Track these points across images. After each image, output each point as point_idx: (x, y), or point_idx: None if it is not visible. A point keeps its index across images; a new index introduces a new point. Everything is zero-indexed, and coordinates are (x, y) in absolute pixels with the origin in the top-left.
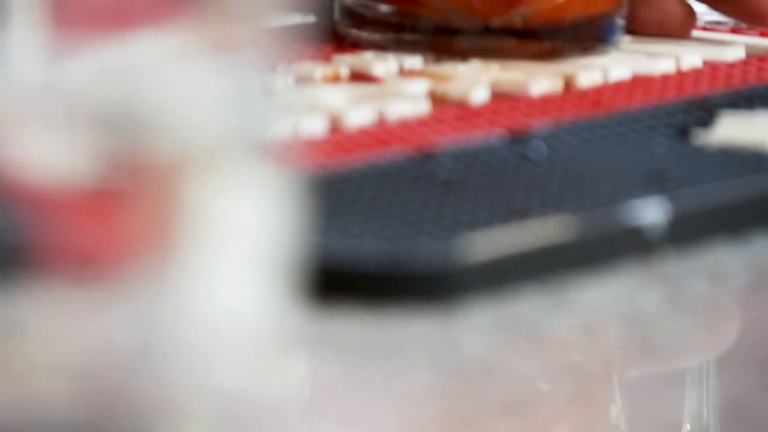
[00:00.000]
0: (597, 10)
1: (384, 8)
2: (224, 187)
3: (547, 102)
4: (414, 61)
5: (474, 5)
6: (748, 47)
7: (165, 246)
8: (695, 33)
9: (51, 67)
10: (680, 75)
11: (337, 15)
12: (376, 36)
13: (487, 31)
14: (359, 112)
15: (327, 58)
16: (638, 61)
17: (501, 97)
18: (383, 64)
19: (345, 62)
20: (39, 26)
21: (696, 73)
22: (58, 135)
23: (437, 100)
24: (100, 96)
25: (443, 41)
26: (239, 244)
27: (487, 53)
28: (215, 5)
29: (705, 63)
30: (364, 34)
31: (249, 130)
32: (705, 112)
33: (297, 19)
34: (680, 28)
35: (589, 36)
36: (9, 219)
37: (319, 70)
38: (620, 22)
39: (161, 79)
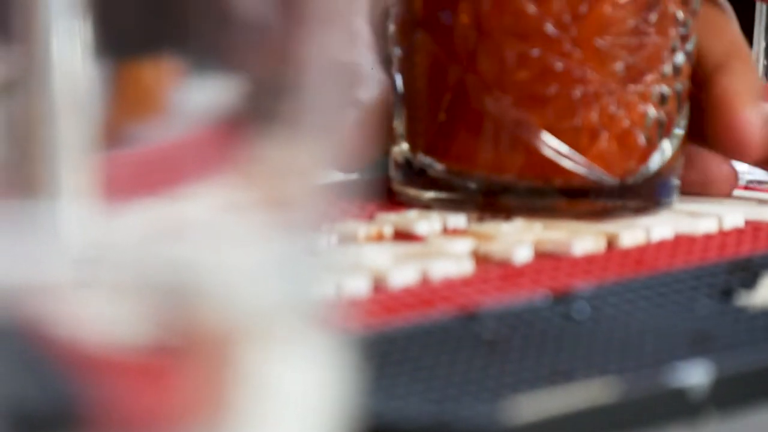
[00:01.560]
0: (579, 177)
1: (436, 166)
2: (274, 351)
3: (590, 261)
4: (457, 220)
5: (612, 163)
6: None
7: (216, 411)
8: (737, 192)
9: (100, 229)
10: (722, 235)
11: (391, 172)
12: (428, 194)
13: (539, 190)
14: (403, 272)
15: (370, 217)
16: (681, 221)
17: (544, 257)
18: (427, 223)
19: (388, 221)
20: (87, 188)
21: (738, 233)
22: (108, 299)
23: (481, 259)
24: (149, 259)
25: (494, 200)
26: (288, 407)
27: (538, 212)
28: (264, 162)
29: (747, 223)
30: (416, 192)
31: (299, 295)
32: (748, 272)
33: (341, 176)
34: (722, 188)
35: (642, 196)
36: (60, 382)
37: (363, 228)
38: (675, 182)
39: (210, 240)
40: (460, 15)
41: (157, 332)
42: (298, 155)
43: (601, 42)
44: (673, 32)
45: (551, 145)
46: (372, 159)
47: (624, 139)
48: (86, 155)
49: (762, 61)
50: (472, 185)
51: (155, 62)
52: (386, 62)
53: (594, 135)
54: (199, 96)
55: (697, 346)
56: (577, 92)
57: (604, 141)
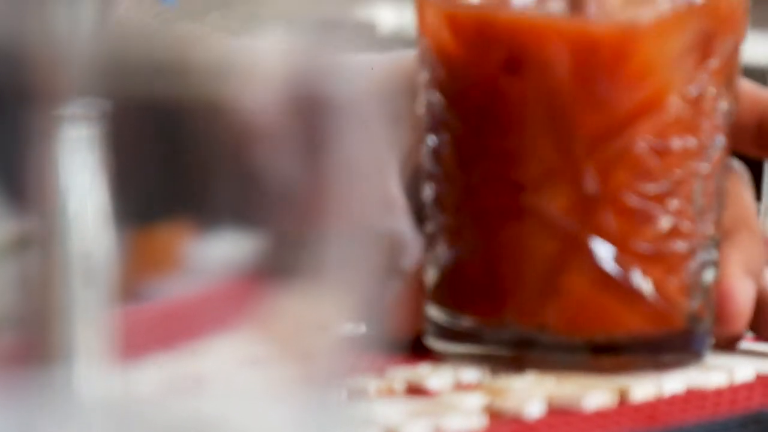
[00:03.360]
0: (681, 326)
1: (466, 321)
2: None
3: (602, 416)
4: (470, 374)
5: (705, 314)
6: None
7: None
8: (747, 345)
9: (118, 386)
10: (732, 389)
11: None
12: (459, 348)
13: (570, 346)
14: (414, 428)
15: (381, 371)
16: (691, 374)
17: (557, 412)
18: (439, 377)
19: (400, 375)
20: (103, 346)
21: (749, 388)
22: None
23: (494, 414)
24: (168, 414)
25: (521, 356)
26: None
27: (566, 368)
28: (284, 316)
29: (758, 377)
30: (446, 347)
31: None
32: (759, 426)
33: (350, 329)
34: (728, 342)
35: (670, 351)
36: None
37: (373, 383)
38: (707, 338)
39: (229, 395)
40: (578, 179)
41: None
42: (318, 309)
43: (701, 201)
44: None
45: (666, 298)
46: (419, 327)
47: (711, 289)
48: (102, 314)
49: None
50: (509, 338)
51: (171, 222)
52: (419, 224)
53: (695, 288)
54: (218, 251)
55: None
56: (682, 246)
57: (701, 293)
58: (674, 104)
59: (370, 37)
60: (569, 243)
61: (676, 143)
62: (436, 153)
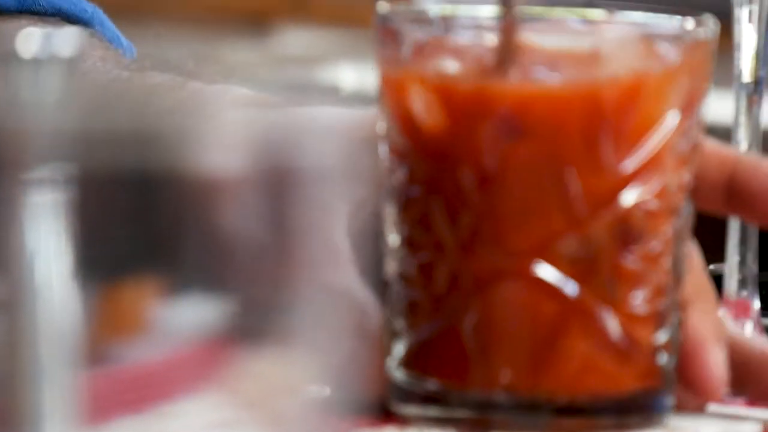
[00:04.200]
0: (645, 386)
1: (429, 384)
2: None
3: None
4: None
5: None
6: (764, 422)
7: None
8: (713, 407)
9: None
10: None
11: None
12: (424, 411)
13: (533, 406)
14: None
15: None
16: None
17: None
18: None
19: None
20: (69, 409)
21: None
22: None
23: None
24: None
25: (483, 418)
26: None
27: (533, 428)
28: (254, 379)
29: None
30: (410, 410)
31: None
32: None
33: (315, 391)
34: (698, 407)
35: (633, 412)
36: None
37: None
38: (670, 400)
39: None
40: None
41: None
42: (287, 372)
43: (682, 259)
44: None
45: (652, 357)
46: (380, 386)
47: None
48: (69, 379)
49: (735, 275)
50: (466, 401)
51: (137, 283)
52: (375, 284)
53: (674, 347)
54: (186, 315)
55: None
56: (665, 304)
57: (676, 353)
58: (670, 162)
59: (334, 98)
60: (570, 306)
61: (666, 202)
62: (423, 221)
